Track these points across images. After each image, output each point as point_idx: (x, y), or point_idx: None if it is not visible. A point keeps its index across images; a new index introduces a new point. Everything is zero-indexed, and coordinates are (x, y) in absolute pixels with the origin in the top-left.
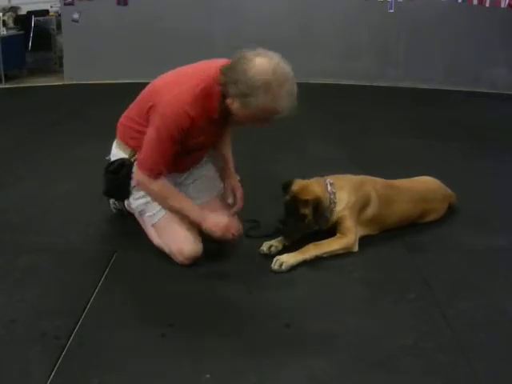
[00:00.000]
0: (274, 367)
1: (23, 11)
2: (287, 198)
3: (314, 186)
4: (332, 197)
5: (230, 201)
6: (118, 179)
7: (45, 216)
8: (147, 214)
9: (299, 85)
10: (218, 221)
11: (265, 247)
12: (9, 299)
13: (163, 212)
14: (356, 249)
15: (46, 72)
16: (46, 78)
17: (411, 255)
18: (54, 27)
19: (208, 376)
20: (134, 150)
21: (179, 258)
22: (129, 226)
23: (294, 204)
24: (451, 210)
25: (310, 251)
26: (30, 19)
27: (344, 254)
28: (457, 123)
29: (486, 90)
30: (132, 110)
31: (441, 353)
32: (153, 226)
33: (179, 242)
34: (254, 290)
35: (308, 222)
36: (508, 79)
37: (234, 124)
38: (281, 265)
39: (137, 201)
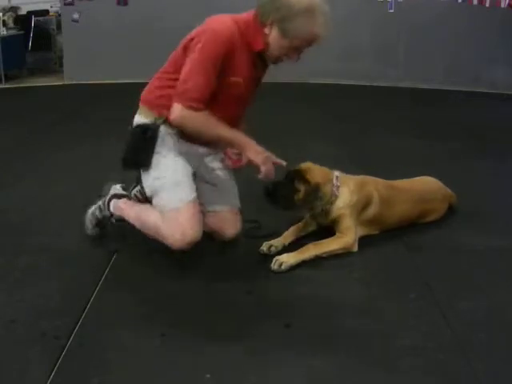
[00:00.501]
0: (274, 367)
1: (23, 11)
2: (293, 169)
3: (321, 172)
4: (335, 190)
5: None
6: (145, 139)
7: (45, 216)
8: (161, 196)
9: (299, 85)
10: (261, 150)
11: (265, 247)
12: (9, 299)
13: (178, 196)
14: (355, 249)
15: (45, 72)
16: (46, 78)
17: (411, 255)
18: (54, 27)
19: (208, 376)
20: (160, 116)
21: (178, 243)
22: (129, 227)
23: (295, 176)
24: (451, 211)
25: (310, 251)
26: (30, 19)
27: (344, 254)
28: (457, 123)
29: (486, 90)
30: (161, 70)
31: (441, 353)
32: (161, 209)
33: (184, 226)
34: (254, 290)
35: (297, 199)
36: (508, 79)
37: (269, 60)
38: (280, 265)
39: (154, 181)
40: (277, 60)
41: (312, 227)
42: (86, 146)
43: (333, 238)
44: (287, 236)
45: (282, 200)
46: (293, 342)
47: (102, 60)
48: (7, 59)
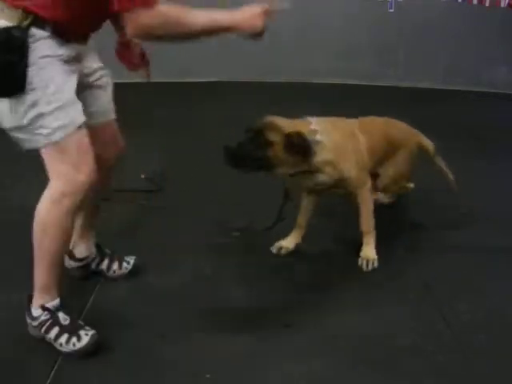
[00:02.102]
0: (274, 367)
1: None
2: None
3: (294, 122)
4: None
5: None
6: (13, 50)
7: None
8: (45, 130)
9: (299, 84)
10: (253, 11)
11: (275, 249)
12: (9, 299)
13: (70, 125)
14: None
15: None
16: None
17: (411, 255)
18: None
19: (208, 376)
20: (27, 12)
21: (87, 178)
22: (128, 226)
23: (263, 128)
24: (450, 207)
25: (371, 230)
26: None
27: (343, 255)
28: (457, 123)
29: (486, 90)
30: None
31: (441, 353)
32: (52, 147)
33: (91, 161)
34: (254, 290)
35: (272, 154)
36: (508, 79)
37: None
38: (372, 263)
39: (30, 110)
40: None
41: (311, 203)
42: None
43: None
44: (298, 231)
45: (256, 161)
46: (293, 342)
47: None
48: None
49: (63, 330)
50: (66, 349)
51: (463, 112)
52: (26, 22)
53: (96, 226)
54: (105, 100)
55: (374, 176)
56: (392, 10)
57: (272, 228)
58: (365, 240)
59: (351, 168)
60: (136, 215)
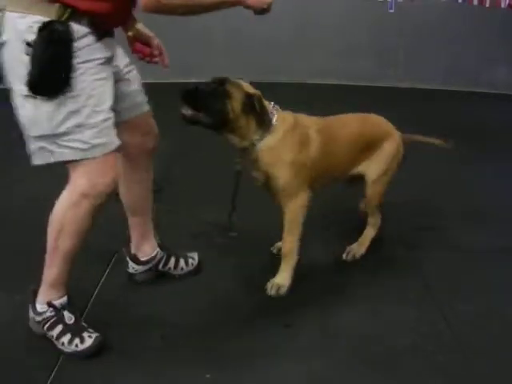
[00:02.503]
0: (274, 367)
1: None
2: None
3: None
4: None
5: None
6: (57, 48)
7: (45, 216)
8: (82, 144)
9: (299, 85)
10: None
11: (275, 249)
12: (9, 299)
13: (109, 145)
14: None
15: None
16: None
17: (411, 255)
18: None
19: (208, 376)
20: (65, 5)
21: (111, 183)
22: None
23: (226, 82)
24: (450, 209)
25: (289, 254)
26: None
27: (343, 254)
28: (457, 123)
29: (485, 90)
30: None
31: (441, 353)
32: (83, 162)
33: (112, 172)
34: (254, 290)
35: (231, 109)
36: (508, 79)
37: None
38: (278, 289)
39: (69, 118)
40: None
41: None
42: None
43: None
44: None
45: (211, 108)
46: (293, 342)
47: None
48: None
49: (67, 329)
50: (67, 349)
51: (463, 112)
52: (65, 16)
53: (155, 222)
54: (136, 93)
55: (355, 179)
56: (392, 11)
57: (231, 221)
58: (282, 263)
59: (284, 169)
60: None
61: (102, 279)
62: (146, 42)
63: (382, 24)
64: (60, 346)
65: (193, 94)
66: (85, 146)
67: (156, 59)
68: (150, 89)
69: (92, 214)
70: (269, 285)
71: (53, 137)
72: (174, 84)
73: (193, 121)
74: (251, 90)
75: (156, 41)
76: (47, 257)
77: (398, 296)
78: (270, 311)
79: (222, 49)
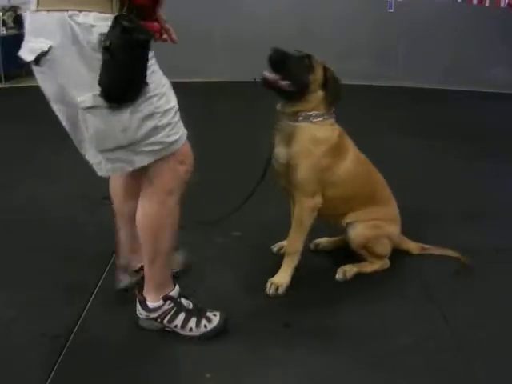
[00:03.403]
0: (274, 367)
1: (23, 11)
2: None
3: None
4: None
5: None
6: (143, 52)
7: (44, 216)
8: (158, 146)
9: None
10: None
11: (275, 248)
12: (9, 299)
13: (182, 137)
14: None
15: None
16: None
17: (411, 255)
18: None
19: (208, 376)
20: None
21: (190, 168)
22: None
23: (308, 56)
24: (450, 210)
25: (292, 254)
26: None
27: (343, 254)
28: (457, 123)
29: (485, 90)
30: None
31: (441, 353)
32: (170, 157)
33: (189, 158)
34: (254, 290)
35: (312, 79)
36: (508, 79)
37: None
38: (276, 289)
39: (145, 122)
40: None
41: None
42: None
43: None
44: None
45: (296, 77)
46: (293, 342)
47: None
48: (7, 59)
49: (191, 314)
50: (196, 332)
51: (463, 112)
52: (124, 8)
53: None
54: None
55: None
56: (392, 10)
57: (239, 207)
58: (283, 262)
59: (308, 163)
60: None
61: (102, 279)
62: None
63: (382, 24)
64: (187, 333)
65: (281, 61)
66: (162, 146)
67: (165, 36)
68: None
69: (179, 203)
70: (268, 284)
71: (129, 146)
72: (174, 84)
73: (273, 86)
74: (330, 70)
75: (162, 16)
76: (148, 264)
77: (398, 296)
78: (269, 311)
79: (222, 49)
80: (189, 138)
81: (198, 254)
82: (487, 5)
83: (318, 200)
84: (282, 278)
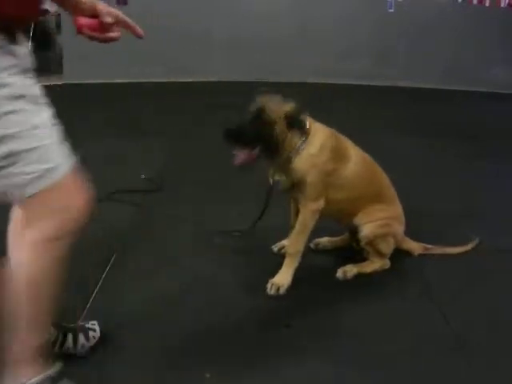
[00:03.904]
0: (274, 367)
1: None
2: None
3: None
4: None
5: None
6: None
7: None
8: (43, 166)
9: (298, 84)
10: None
11: (276, 248)
12: None
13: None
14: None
15: (45, 72)
16: (45, 78)
17: (411, 255)
18: (54, 27)
19: (208, 376)
20: None
21: (84, 213)
22: (128, 226)
23: (258, 110)
24: (450, 209)
25: (294, 255)
26: None
27: (343, 255)
28: (456, 123)
29: (485, 90)
30: None
31: (441, 353)
32: (48, 187)
33: (83, 193)
34: (254, 290)
35: (278, 131)
36: (508, 79)
37: None
38: (277, 289)
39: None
40: None
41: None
42: (85, 146)
43: (297, 223)
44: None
45: (262, 141)
46: (293, 342)
47: (101, 60)
48: None
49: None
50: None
51: (463, 112)
52: None
53: None
54: None
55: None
56: (392, 10)
57: (253, 227)
58: (285, 262)
59: (314, 175)
60: (136, 215)
61: (102, 279)
62: (93, 14)
63: (382, 24)
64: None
65: (239, 135)
66: (50, 165)
67: (113, 34)
68: (151, 88)
69: (67, 252)
70: (269, 284)
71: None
72: (175, 84)
73: (249, 162)
74: (286, 106)
75: (104, 8)
76: (26, 330)
77: (398, 296)
78: (270, 311)
79: (222, 49)
80: (189, 137)
81: (198, 254)
82: (487, 5)
83: (320, 203)
84: (283, 279)
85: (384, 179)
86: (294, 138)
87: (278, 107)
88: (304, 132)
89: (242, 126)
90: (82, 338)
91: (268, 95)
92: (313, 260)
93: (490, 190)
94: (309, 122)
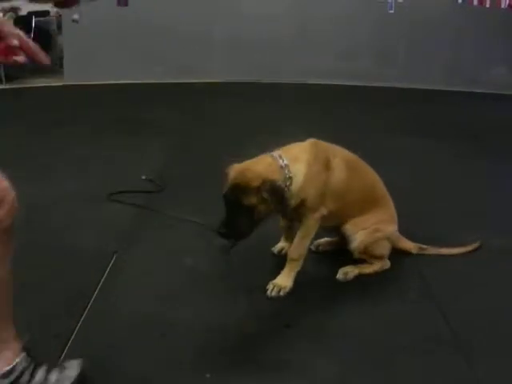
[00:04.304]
0: (274, 367)
1: (24, 12)
2: (224, 190)
3: (256, 166)
4: (286, 171)
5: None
6: None
7: (44, 217)
8: None
9: (298, 85)
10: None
11: (275, 249)
12: None
13: None
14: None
15: (46, 72)
16: (46, 79)
17: (411, 255)
18: (55, 28)
19: (208, 376)
20: None
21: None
22: (129, 227)
23: (236, 195)
24: (449, 209)
25: (297, 260)
26: (31, 20)
27: (343, 256)
28: (456, 123)
29: (485, 90)
30: None
31: (441, 353)
32: None
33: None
34: (254, 290)
35: (258, 213)
36: (508, 79)
37: None
38: (279, 291)
39: None
40: None
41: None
42: (86, 146)
43: (299, 231)
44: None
45: (248, 230)
46: (293, 342)
47: (102, 60)
48: None
49: None
50: None
51: (463, 112)
52: None
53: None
54: None
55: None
56: (392, 11)
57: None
58: (286, 266)
59: (312, 193)
60: (136, 215)
61: (102, 279)
62: None
63: (382, 24)
64: None
65: (233, 229)
66: None
67: (18, 58)
68: (151, 89)
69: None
70: (270, 286)
71: None
72: (174, 84)
73: (243, 238)
74: (255, 181)
75: (9, 29)
76: None
77: (398, 296)
78: (270, 311)
79: (222, 49)
80: (189, 137)
81: (198, 254)
82: (487, 5)
83: (323, 210)
84: (284, 281)
85: (375, 180)
86: (268, 202)
87: (248, 184)
88: (283, 199)
89: (231, 219)
90: (54, 375)
91: (233, 167)
92: (313, 261)
93: (490, 190)
94: (283, 153)
